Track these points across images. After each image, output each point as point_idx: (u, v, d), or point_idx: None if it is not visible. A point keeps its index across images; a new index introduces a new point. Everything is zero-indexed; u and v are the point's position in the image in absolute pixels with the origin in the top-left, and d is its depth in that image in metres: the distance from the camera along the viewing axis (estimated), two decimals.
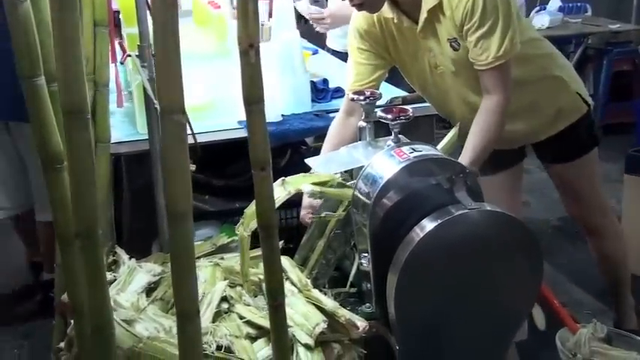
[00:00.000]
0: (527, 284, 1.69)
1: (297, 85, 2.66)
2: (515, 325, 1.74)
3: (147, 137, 2.17)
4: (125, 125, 2.51)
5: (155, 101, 1.81)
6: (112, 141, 2.18)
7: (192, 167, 2.13)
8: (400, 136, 1.78)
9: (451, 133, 1.97)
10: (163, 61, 1.12)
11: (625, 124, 5.04)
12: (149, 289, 1.81)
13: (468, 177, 1.68)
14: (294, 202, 2.00)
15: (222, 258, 1.94)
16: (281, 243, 1.84)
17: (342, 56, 3.21)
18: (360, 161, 1.77)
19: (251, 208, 1.74)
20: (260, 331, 1.63)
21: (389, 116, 1.76)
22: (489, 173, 2.27)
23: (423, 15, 1.98)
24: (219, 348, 1.55)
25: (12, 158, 2.88)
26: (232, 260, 1.89)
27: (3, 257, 3.44)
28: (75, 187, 1.23)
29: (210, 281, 1.80)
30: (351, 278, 1.81)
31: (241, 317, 1.67)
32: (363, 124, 1.90)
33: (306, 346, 1.55)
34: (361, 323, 1.60)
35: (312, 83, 2.76)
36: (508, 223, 1.63)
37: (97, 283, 1.29)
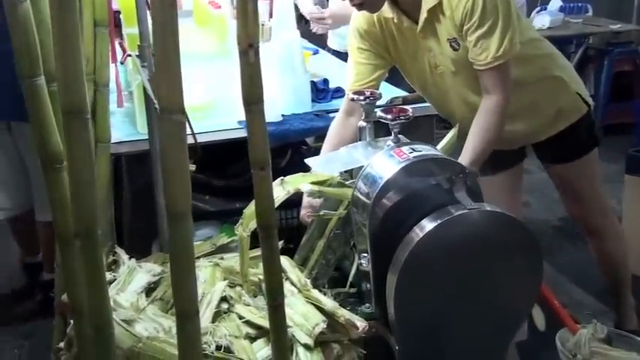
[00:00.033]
0: (526, 284, 1.69)
1: (298, 85, 2.66)
2: (515, 326, 1.74)
3: (147, 137, 2.17)
4: (125, 125, 2.51)
5: (155, 101, 1.81)
6: (113, 141, 2.18)
7: (192, 167, 2.15)
8: (400, 136, 1.78)
9: (450, 134, 1.97)
10: (163, 61, 1.12)
11: (626, 125, 5.04)
12: (149, 289, 1.81)
13: (468, 177, 1.67)
14: (295, 202, 2.00)
15: (222, 258, 1.94)
16: (281, 243, 1.85)
17: (343, 56, 3.21)
18: (360, 161, 1.77)
19: (250, 209, 1.74)
20: (259, 332, 1.63)
21: (389, 116, 1.76)
22: (489, 173, 2.27)
23: (423, 15, 1.98)
24: (218, 348, 1.55)
25: (13, 158, 2.88)
26: (232, 260, 1.89)
27: (3, 257, 3.44)
28: (74, 186, 1.23)
29: (210, 281, 1.80)
30: (350, 278, 1.81)
31: (241, 317, 1.67)
32: (363, 124, 1.90)
33: (306, 346, 1.55)
34: (361, 323, 1.60)
35: (313, 83, 2.76)
36: (508, 224, 1.63)
37: (97, 283, 1.29)
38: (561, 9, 5.33)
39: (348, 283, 1.81)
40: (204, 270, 1.84)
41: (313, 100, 2.74)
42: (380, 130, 1.90)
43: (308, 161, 1.89)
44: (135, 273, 1.84)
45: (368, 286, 1.70)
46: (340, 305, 1.66)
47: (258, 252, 1.44)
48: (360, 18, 2.14)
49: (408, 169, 1.62)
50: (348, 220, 1.77)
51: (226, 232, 2.08)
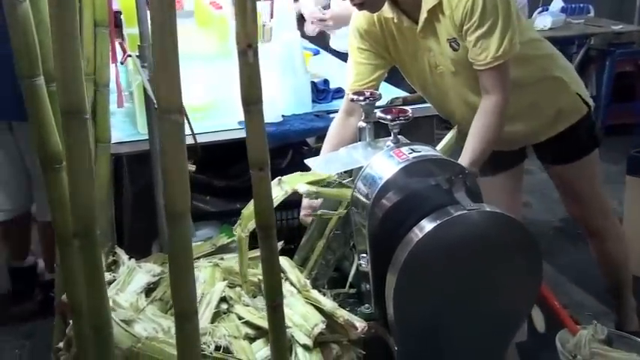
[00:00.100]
0: (526, 285, 1.69)
1: (298, 85, 2.66)
2: (515, 326, 1.74)
3: (147, 137, 2.17)
4: (126, 125, 2.52)
5: (155, 101, 1.81)
6: (113, 141, 2.18)
7: (192, 168, 2.16)
8: (400, 136, 1.78)
9: (449, 135, 1.97)
10: (161, 61, 1.12)
11: (627, 125, 5.04)
12: (148, 290, 1.81)
13: (467, 178, 1.67)
14: (295, 202, 2.00)
15: (221, 258, 1.94)
16: (281, 243, 1.86)
17: (345, 57, 3.21)
18: (360, 162, 1.77)
19: (248, 209, 1.74)
20: (259, 332, 1.63)
21: (388, 117, 1.76)
22: (490, 174, 2.27)
23: (423, 15, 1.98)
24: (217, 348, 1.55)
25: (14, 159, 2.88)
26: (232, 261, 1.89)
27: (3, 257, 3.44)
28: (73, 186, 1.23)
29: (210, 282, 1.80)
30: (350, 279, 1.81)
31: (240, 318, 1.67)
32: (362, 124, 1.90)
33: (305, 347, 1.55)
34: (360, 324, 1.60)
35: (313, 84, 2.76)
36: (507, 224, 1.63)
37: (96, 283, 1.29)
38: (563, 10, 5.33)
39: (348, 284, 1.82)
40: (203, 270, 1.84)
41: (313, 101, 2.74)
42: (380, 130, 1.90)
43: (308, 162, 1.89)
44: (134, 273, 1.84)
45: (367, 286, 1.70)
46: (340, 306, 1.66)
47: (257, 252, 1.44)
48: (360, 18, 2.15)
49: (407, 170, 1.62)
50: (348, 220, 1.77)
51: (226, 232, 2.08)
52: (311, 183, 1.79)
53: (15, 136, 2.84)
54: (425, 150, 1.70)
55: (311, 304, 1.66)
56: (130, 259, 1.94)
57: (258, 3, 3.04)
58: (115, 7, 2.65)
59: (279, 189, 1.75)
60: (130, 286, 1.79)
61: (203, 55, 2.61)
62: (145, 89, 2.07)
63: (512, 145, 2.32)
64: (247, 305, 1.72)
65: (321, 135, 2.38)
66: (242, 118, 1.23)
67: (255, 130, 1.24)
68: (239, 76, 1.20)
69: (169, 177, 1.17)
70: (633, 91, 5.28)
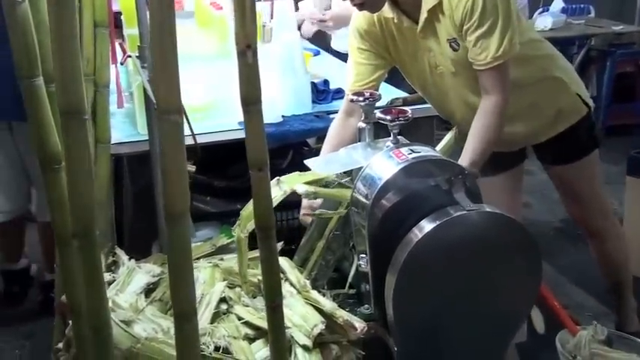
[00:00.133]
0: (526, 286, 1.69)
1: (298, 86, 2.66)
2: (514, 327, 1.74)
3: (147, 138, 2.17)
4: (126, 126, 2.52)
5: (155, 102, 1.82)
6: (113, 142, 2.18)
7: (192, 168, 2.16)
8: (399, 137, 1.78)
9: (448, 136, 1.97)
10: (160, 61, 1.11)
11: (628, 126, 5.05)
12: (148, 290, 1.81)
13: (467, 178, 1.67)
14: (295, 203, 2.00)
15: (221, 259, 1.95)
16: (281, 244, 1.86)
17: (346, 58, 3.21)
18: (359, 162, 1.77)
19: (247, 209, 1.74)
20: (258, 332, 1.63)
21: (388, 117, 1.76)
22: (490, 174, 2.27)
23: (423, 15, 1.98)
24: (217, 349, 1.55)
25: (14, 160, 2.87)
26: (232, 261, 1.89)
27: None
28: (72, 187, 1.23)
29: (210, 282, 1.80)
30: (349, 279, 1.81)
31: (240, 318, 1.67)
32: (362, 125, 1.90)
33: (304, 347, 1.55)
34: (359, 324, 1.60)
35: (313, 84, 2.76)
36: (507, 225, 1.63)
37: (95, 284, 1.29)
38: (563, 10, 5.33)
39: (348, 284, 1.82)
40: (203, 271, 1.84)
41: (313, 101, 2.74)
42: (380, 131, 1.90)
43: (307, 162, 1.89)
44: (134, 274, 1.84)
45: (367, 287, 1.70)
46: (339, 306, 1.66)
47: (257, 253, 1.44)
48: (360, 18, 2.15)
49: (406, 170, 1.62)
50: (348, 221, 1.77)
51: (226, 233, 2.08)
52: (310, 183, 1.79)
53: (14, 137, 2.83)
54: (424, 150, 1.70)
55: (310, 304, 1.65)
56: (130, 259, 1.94)
57: (258, 3, 3.06)
58: (116, 7, 2.65)
59: (278, 189, 1.75)
60: (130, 286, 1.79)
61: (203, 56, 2.61)
62: (144, 90, 2.07)
63: (512, 146, 2.32)
64: (247, 306, 1.72)
65: (321, 135, 2.38)
66: (241, 118, 1.23)
67: (255, 130, 1.24)
68: (238, 77, 1.20)
69: (169, 177, 1.16)
70: (633, 91, 5.29)
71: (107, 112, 2.10)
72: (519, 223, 1.66)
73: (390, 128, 1.77)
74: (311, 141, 2.92)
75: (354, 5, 2.01)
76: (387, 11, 2.04)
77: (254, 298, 1.76)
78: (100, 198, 2.07)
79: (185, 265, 1.21)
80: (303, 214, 1.99)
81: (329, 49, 3.84)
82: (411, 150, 1.68)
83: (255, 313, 1.67)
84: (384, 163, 1.67)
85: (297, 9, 3.59)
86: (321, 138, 2.36)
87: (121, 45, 2.44)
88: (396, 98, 2.64)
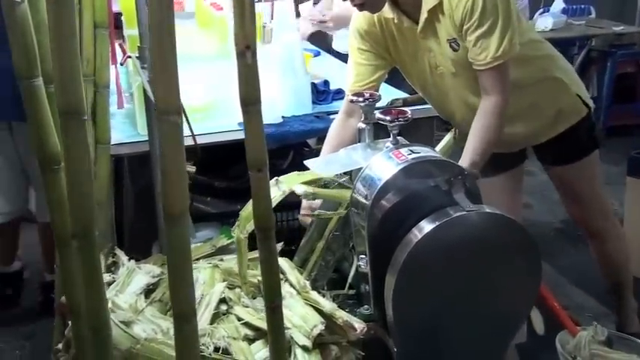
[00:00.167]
0: (525, 286, 1.69)
1: (298, 86, 2.66)
2: (514, 328, 1.74)
3: (147, 139, 2.17)
4: (126, 126, 2.52)
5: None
6: (113, 142, 2.19)
7: (193, 169, 2.16)
8: (399, 137, 1.78)
9: (447, 137, 1.97)
10: (159, 62, 1.11)
11: (628, 127, 5.05)
12: (148, 291, 1.81)
13: (467, 179, 1.67)
14: (296, 203, 2.00)
15: (221, 259, 1.95)
16: (280, 245, 1.86)
17: (347, 59, 3.21)
18: (359, 163, 1.77)
19: (246, 210, 1.74)
20: (258, 333, 1.63)
21: (387, 118, 1.76)
22: (490, 175, 2.26)
23: (424, 15, 1.98)
24: (216, 349, 1.55)
25: (14, 161, 2.86)
26: (232, 262, 1.89)
27: None
28: (71, 187, 1.23)
29: (209, 283, 1.80)
30: (349, 280, 1.81)
31: (239, 319, 1.67)
32: (362, 125, 1.90)
33: (304, 348, 1.55)
34: (359, 325, 1.60)
35: (313, 85, 2.76)
36: (506, 225, 1.63)
37: (94, 284, 1.29)
38: (564, 11, 5.32)
39: (347, 285, 1.81)
40: (203, 271, 1.84)
41: (314, 102, 2.74)
42: (380, 131, 1.90)
43: (307, 163, 1.89)
44: (134, 274, 1.84)
45: (366, 287, 1.70)
46: (339, 307, 1.66)
47: (257, 253, 1.44)
48: (360, 18, 2.15)
49: (406, 171, 1.63)
50: (348, 221, 1.77)
51: (226, 233, 2.08)
52: (308, 183, 1.79)
53: (14, 137, 2.83)
54: (424, 151, 1.70)
55: (310, 305, 1.65)
56: (130, 260, 1.94)
57: (259, 4, 3.06)
58: (116, 8, 2.65)
59: (277, 189, 1.75)
60: (130, 287, 1.79)
61: (203, 56, 2.61)
62: (144, 90, 2.07)
63: (512, 147, 2.32)
64: (247, 306, 1.72)
65: (321, 136, 2.38)
66: (241, 118, 1.23)
67: (254, 131, 1.24)
68: (238, 77, 1.20)
69: (168, 178, 1.16)
70: (634, 92, 5.29)
71: (107, 113, 2.10)
72: (519, 224, 1.66)
73: (390, 129, 1.77)
74: (311, 142, 2.92)
75: (355, 6, 2.01)
76: (387, 11, 2.04)
77: (254, 298, 1.76)
78: (100, 198, 2.07)
79: (184, 266, 1.21)
80: (302, 215, 1.99)
81: (330, 50, 3.84)
82: (411, 150, 1.68)
83: (255, 313, 1.67)
84: (383, 164, 1.67)
85: (298, 15, 3.58)
86: (321, 139, 2.36)
87: (121, 45, 2.44)
88: (396, 99, 2.64)
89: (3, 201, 2.89)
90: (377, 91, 2.12)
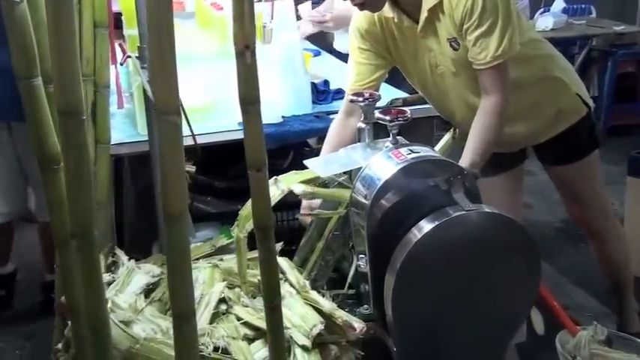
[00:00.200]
0: (525, 286, 1.69)
1: (298, 86, 2.66)
2: (514, 327, 1.74)
3: (147, 138, 2.17)
4: (126, 126, 2.52)
5: None
6: (113, 142, 2.19)
7: (192, 169, 2.16)
8: (399, 137, 1.78)
9: (446, 137, 1.97)
10: (158, 62, 1.11)
11: (629, 126, 5.05)
12: (148, 291, 1.81)
13: (466, 179, 1.67)
14: (296, 203, 2.00)
15: (221, 259, 1.95)
16: (280, 244, 1.86)
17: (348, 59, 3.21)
18: (359, 163, 1.77)
19: (246, 209, 1.74)
20: (257, 333, 1.63)
21: (387, 118, 1.76)
22: (490, 175, 2.26)
23: (424, 14, 1.98)
24: (216, 349, 1.55)
25: (12, 162, 2.85)
26: (231, 262, 1.89)
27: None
28: (70, 187, 1.23)
29: (209, 282, 1.80)
30: (349, 280, 1.81)
31: (239, 318, 1.67)
32: (362, 125, 1.90)
33: (304, 348, 1.55)
34: (358, 325, 1.60)
35: (313, 85, 2.76)
36: (506, 225, 1.63)
37: (93, 284, 1.29)
38: (564, 10, 5.32)
39: (347, 285, 1.81)
40: (203, 271, 1.85)
41: (314, 102, 2.73)
42: (380, 131, 1.90)
43: (307, 163, 1.89)
44: (134, 274, 1.85)
45: (366, 287, 1.70)
46: (339, 307, 1.66)
47: (257, 253, 1.44)
48: (360, 18, 2.15)
49: (405, 171, 1.63)
50: (347, 221, 1.77)
51: (225, 233, 2.08)
52: (307, 181, 1.79)
53: (13, 137, 2.82)
54: (423, 151, 1.70)
55: (310, 304, 1.66)
56: (130, 259, 1.94)
57: (259, 4, 3.06)
58: (116, 8, 2.65)
59: (276, 188, 1.76)
60: (129, 286, 1.79)
61: (204, 56, 2.61)
62: (144, 90, 2.07)
63: (512, 147, 2.32)
64: (246, 306, 1.72)
65: (322, 136, 2.38)
66: (241, 118, 1.23)
67: (253, 130, 1.24)
68: (237, 77, 1.20)
69: (167, 178, 1.16)
70: (635, 92, 5.28)
71: (107, 113, 2.10)
72: (518, 224, 1.66)
73: (389, 128, 1.77)
74: (312, 141, 2.92)
75: (355, 5, 2.01)
76: (387, 11, 2.04)
77: (253, 298, 1.76)
78: (100, 198, 2.07)
79: (184, 266, 1.21)
80: (301, 214, 1.99)
81: (331, 50, 3.84)
82: (410, 150, 1.68)
83: (255, 313, 1.67)
84: (383, 164, 1.67)
85: (298, 18, 3.58)
86: (321, 138, 2.36)
87: (121, 45, 2.45)
88: (396, 99, 2.64)
89: (2, 201, 2.89)
90: (377, 90, 2.12)
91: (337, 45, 3.83)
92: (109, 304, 1.61)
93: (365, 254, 1.66)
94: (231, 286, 1.81)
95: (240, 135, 2.41)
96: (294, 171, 1.84)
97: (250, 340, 1.62)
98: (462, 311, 1.63)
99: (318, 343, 1.59)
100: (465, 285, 1.62)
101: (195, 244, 2.05)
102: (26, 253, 3.34)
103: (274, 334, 1.37)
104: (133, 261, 1.93)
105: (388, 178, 1.62)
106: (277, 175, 1.82)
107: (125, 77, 2.89)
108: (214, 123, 2.49)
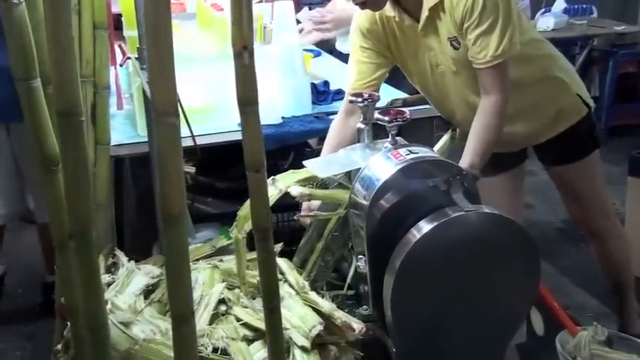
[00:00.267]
0: (524, 287, 1.68)
1: (298, 87, 2.66)
2: (513, 328, 1.73)
3: (147, 140, 2.17)
4: (126, 127, 2.51)
5: None
6: (113, 143, 2.19)
7: (192, 169, 2.16)
8: (398, 138, 1.78)
9: (445, 138, 1.97)
10: (157, 63, 1.12)
11: (630, 126, 5.05)
12: (147, 291, 1.81)
13: (465, 179, 1.67)
14: (297, 204, 2.00)
15: (221, 260, 1.95)
16: (280, 245, 1.86)
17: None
18: (358, 163, 1.76)
19: (244, 210, 1.74)
20: (257, 334, 1.63)
21: (386, 118, 1.76)
22: (490, 175, 2.26)
23: (425, 13, 1.98)
24: (215, 350, 1.55)
25: (9, 163, 2.85)
26: (231, 262, 1.89)
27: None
28: (69, 188, 1.23)
29: (209, 283, 1.80)
30: (348, 280, 1.81)
31: (238, 319, 1.67)
32: (361, 125, 1.90)
33: (303, 349, 1.55)
34: (357, 325, 1.60)
35: (313, 85, 2.76)
36: (505, 226, 1.62)
37: (92, 285, 1.29)
38: (565, 10, 5.32)
39: (346, 285, 1.81)
40: (202, 272, 1.85)
41: (313, 102, 2.73)
42: (380, 131, 1.90)
43: (306, 163, 1.89)
44: (133, 275, 1.85)
45: (365, 288, 1.70)
46: (338, 307, 1.66)
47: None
48: (362, 16, 2.15)
49: (404, 171, 1.62)
50: (347, 222, 1.77)
51: (225, 234, 2.09)
52: (304, 181, 1.79)
53: (11, 138, 2.81)
54: (422, 151, 1.70)
55: (309, 305, 1.65)
56: (130, 260, 1.94)
57: (259, 5, 3.06)
58: (116, 9, 2.65)
59: (274, 188, 1.75)
60: (129, 287, 1.79)
61: (204, 57, 2.61)
62: (144, 91, 2.07)
63: (512, 147, 2.32)
64: (246, 307, 1.72)
65: (321, 137, 2.38)
66: None
67: (251, 131, 1.24)
68: (235, 78, 1.20)
69: (166, 179, 1.16)
70: (636, 92, 5.28)
71: (107, 114, 2.10)
72: (518, 224, 1.66)
73: (388, 129, 1.77)
74: (312, 142, 2.91)
75: (356, 4, 2.01)
76: (388, 10, 2.05)
77: (253, 299, 1.76)
78: (99, 199, 2.08)
79: (182, 267, 1.21)
80: (301, 216, 1.99)
81: (333, 51, 3.84)
82: (409, 151, 1.68)
83: (254, 314, 1.67)
84: (382, 164, 1.67)
85: (298, 22, 3.57)
86: (322, 139, 2.36)
87: (120, 47, 2.45)
88: (396, 99, 2.64)
89: (1, 203, 2.89)
90: (378, 90, 2.12)
91: (339, 46, 3.82)
92: (109, 305, 1.62)
93: (364, 255, 1.66)
94: (230, 287, 1.81)
95: (240, 136, 2.43)
96: (291, 170, 1.84)
97: (249, 341, 1.62)
98: (461, 312, 1.63)
99: (318, 344, 1.58)
100: (464, 286, 1.61)
101: (195, 245, 2.05)
102: (26, 253, 3.35)
103: (273, 334, 1.37)
104: (132, 262, 1.93)
105: (387, 178, 1.62)
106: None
107: (125, 78, 2.89)
108: (214, 124, 2.49)
